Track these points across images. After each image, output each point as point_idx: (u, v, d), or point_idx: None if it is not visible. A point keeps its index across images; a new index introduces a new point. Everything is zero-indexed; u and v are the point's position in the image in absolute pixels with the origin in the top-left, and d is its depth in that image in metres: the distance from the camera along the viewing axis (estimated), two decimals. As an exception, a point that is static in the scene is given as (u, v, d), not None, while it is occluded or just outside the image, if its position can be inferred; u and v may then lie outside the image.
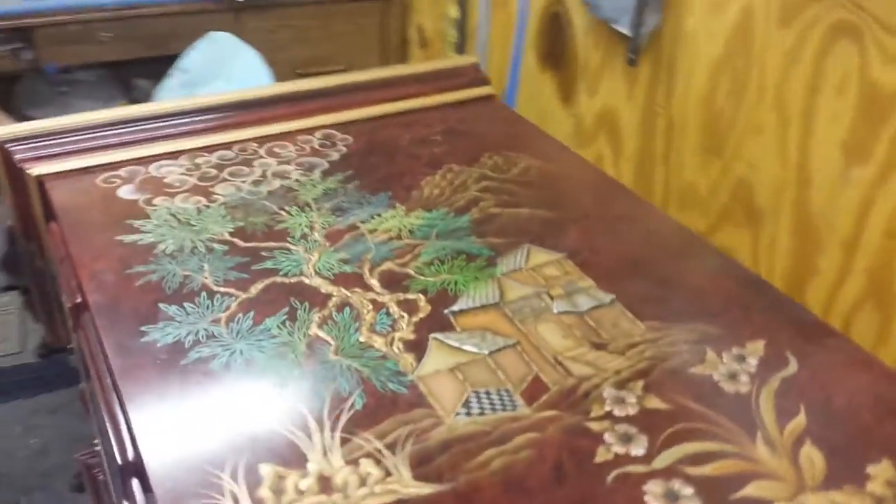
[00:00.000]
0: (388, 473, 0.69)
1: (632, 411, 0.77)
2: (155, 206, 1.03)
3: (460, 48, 2.08)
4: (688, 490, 0.69)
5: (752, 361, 0.83)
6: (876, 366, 0.84)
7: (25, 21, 1.89)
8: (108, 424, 0.79)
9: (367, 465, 0.70)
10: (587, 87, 1.63)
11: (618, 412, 0.76)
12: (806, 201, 1.20)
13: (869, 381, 0.82)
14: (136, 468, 0.72)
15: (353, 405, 0.76)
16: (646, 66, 1.45)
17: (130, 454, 0.74)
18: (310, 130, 1.22)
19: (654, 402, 0.78)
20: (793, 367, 0.83)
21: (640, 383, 0.80)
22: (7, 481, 1.75)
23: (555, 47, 1.71)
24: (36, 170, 1.07)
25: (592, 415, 0.76)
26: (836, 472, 0.71)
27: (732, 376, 0.81)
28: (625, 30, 1.44)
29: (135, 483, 0.73)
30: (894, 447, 0.74)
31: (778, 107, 1.21)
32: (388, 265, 0.95)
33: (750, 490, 0.69)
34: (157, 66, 1.94)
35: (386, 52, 2.37)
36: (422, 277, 0.93)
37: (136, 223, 1.00)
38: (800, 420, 0.76)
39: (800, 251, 1.23)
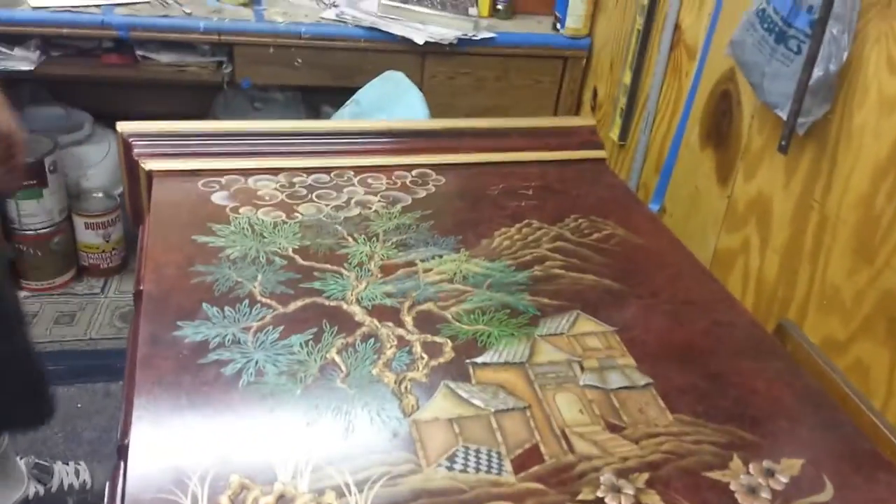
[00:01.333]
0: (346, 509, 0.68)
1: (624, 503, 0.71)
2: (238, 214, 1.08)
3: (627, 115, 2.04)
4: None
5: (783, 479, 0.74)
6: (935, 517, 0.73)
7: (228, 38, 2.05)
8: (122, 407, 0.83)
9: (329, 497, 0.69)
10: (745, 170, 1.55)
11: (609, 501, 0.71)
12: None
13: (916, 530, 0.71)
14: (126, 453, 0.75)
15: (337, 434, 0.75)
16: (807, 157, 1.36)
17: (127, 439, 0.77)
18: (408, 167, 1.23)
19: (652, 499, 0.71)
20: (827, 494, 0.73)
21: (645, 476, 0.73)
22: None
23: (719, 126, 1.64)
24: (149, 165, 1.15)
25: (580, 497, 0.71)
26: None
27: (752, 490, 0.73)
28: (783, 116, 1.35)
29: (121, 465, 0.76)
30: None
31: (939, 220, 1.09)
32: (428, 306, 0.93)
33: None
34: (344, 96, 2.03)
35: (559, 110, 2.36)
36: (457, 324, 0.91)
37: (216, 227, 1.05)
38: (813, 555, 0.67)
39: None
